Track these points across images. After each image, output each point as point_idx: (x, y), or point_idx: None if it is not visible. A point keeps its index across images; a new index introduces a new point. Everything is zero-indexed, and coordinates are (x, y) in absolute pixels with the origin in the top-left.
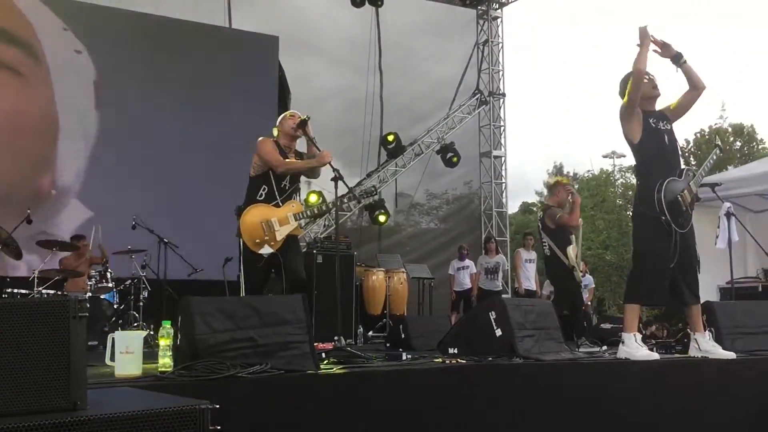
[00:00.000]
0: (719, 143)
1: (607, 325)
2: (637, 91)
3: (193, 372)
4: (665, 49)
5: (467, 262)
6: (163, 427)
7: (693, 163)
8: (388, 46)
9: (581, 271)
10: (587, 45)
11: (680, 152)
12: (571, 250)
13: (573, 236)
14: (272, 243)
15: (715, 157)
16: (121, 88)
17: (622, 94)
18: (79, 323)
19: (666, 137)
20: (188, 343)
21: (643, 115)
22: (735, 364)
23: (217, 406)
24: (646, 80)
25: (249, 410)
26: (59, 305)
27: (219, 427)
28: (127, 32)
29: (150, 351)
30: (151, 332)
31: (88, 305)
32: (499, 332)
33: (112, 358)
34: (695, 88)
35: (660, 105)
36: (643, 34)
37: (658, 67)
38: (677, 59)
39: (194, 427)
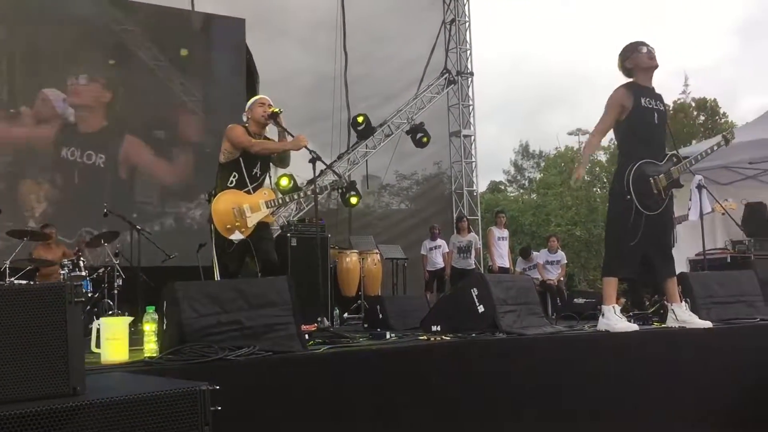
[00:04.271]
0: (727, 135)
1: (581, 300)
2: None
3: (181, 356)
4: None
5: (439, 241)
6: (166, 409)
7: None
8: (355, 26)
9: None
10: (554, 22)
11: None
12: None
13: None
14: (243, 229)
15: (716, 148)
16: (84, 71)
17: (620, 67)
18: (76, 308)
19: (656, 116)
20: (175, 328)
21: (636, 91)
22: (712, 333)
23: (217, 387)
24: (643, 51)
25: (239, 393)
26: (56, 291)
27: (219, 408)
28: (88, 15)
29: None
30: None
31: None
32: (481, 308)
33: (98, 345)
34: None
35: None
36: None
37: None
38: None
39: (195, 408)
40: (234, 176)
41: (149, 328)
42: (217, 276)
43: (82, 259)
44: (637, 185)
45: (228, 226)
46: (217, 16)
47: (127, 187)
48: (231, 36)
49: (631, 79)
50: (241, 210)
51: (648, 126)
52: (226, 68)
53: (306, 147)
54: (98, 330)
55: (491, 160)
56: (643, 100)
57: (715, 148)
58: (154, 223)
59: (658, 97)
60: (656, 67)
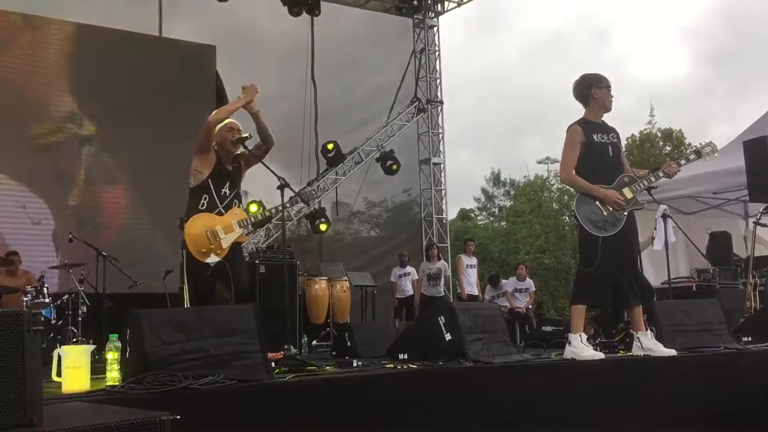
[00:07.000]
0: (702, 150)
1: (549, 328)
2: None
3: (144, 385)
4: None
5: (408, 268)
6: None
7: None
8: (326, 54)
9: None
10: (525, 50)
11: (622, 160)
12: None
13: None
14: (218, 251)
15: (661, 176)
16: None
17: (577, 96)
18: (34, 337)
19: (610, 149)
20: (138, 356)
21: (586, 129)
22: (676, 361)
23: (178, 417)
24: (611, 91)
25: (203, 422)
26: (13, 319)
27: None
28: (54, 42)
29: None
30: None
31: None
32: (448, 336)
33: (59, 374)
34: None
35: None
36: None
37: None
38: None
39: None
40: (205, 198)
41: (111, 356)
42: (187, 303)
43: (45, 286)
44: (582, 208)
45: (203, 250)
46: (187, 42)
47: None
48: (201, 62)
49: (582, 115)
50: (214, 232)
51: (603, 158)
52: (197, 95)
53: (275, 173)
54: (59, 358)
55: (462, 188)
56: (595, 136)
57: (683, 162)
58: None
59: (611, 130)
60: (609, 111)
